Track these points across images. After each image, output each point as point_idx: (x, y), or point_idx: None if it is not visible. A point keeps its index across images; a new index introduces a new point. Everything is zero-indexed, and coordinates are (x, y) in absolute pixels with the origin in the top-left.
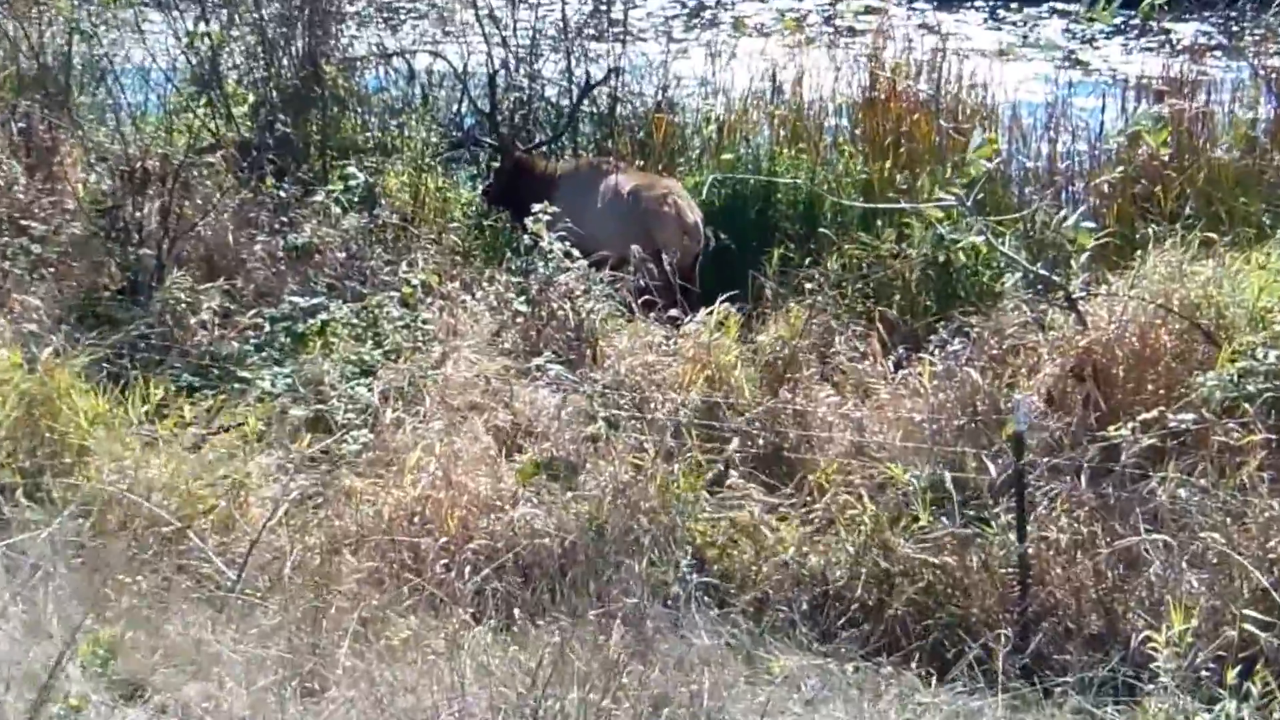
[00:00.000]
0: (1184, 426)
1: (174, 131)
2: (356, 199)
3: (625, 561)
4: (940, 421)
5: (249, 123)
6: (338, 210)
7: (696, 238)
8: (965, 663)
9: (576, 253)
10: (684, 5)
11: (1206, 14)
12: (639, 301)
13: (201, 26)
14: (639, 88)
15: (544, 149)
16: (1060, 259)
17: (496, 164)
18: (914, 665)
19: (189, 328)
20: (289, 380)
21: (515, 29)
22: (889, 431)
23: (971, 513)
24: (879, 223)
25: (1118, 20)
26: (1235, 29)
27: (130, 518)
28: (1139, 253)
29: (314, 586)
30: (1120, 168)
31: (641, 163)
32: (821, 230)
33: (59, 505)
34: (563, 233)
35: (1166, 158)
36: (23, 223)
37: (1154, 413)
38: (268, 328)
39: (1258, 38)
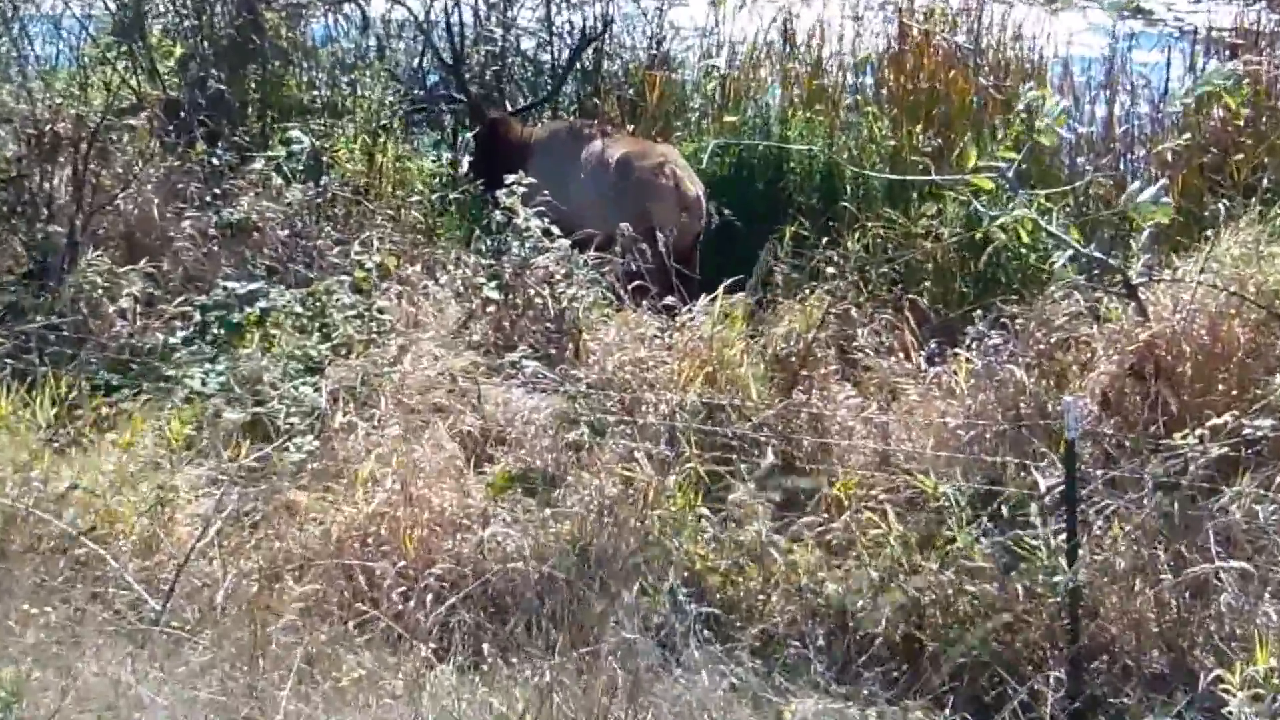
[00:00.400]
0: (1261, 433)
1: (89, 89)
2: (301, 168)
3: (613, 590)
4: (979, 427)
5: (176, 79)
6: (279, 181)
7: (696, 214)
8: (1010, 708)
9: (557, 231)
10: None
11: None
12: (629, 288)
13: None
14: (629, 40)
15: (528, 113)
16: (1117, 239)
17: (473, 129)
18: (948, 710)
19: (106, 317)
20: (222, 378)
21: None
22: (919, 439)
23: (1015, 533)
24: (908, 197)
25: None
26: None
27: (37, 538)
28: (1208, 232)
29: (251, 618)
30: (1187, 134)
31: (632, 127)
32: (841, 205)
33: None
34: (541, 208)
35: (1241, 123)
36: None
37: (1226, 417)
38: (198, 317)
39: None
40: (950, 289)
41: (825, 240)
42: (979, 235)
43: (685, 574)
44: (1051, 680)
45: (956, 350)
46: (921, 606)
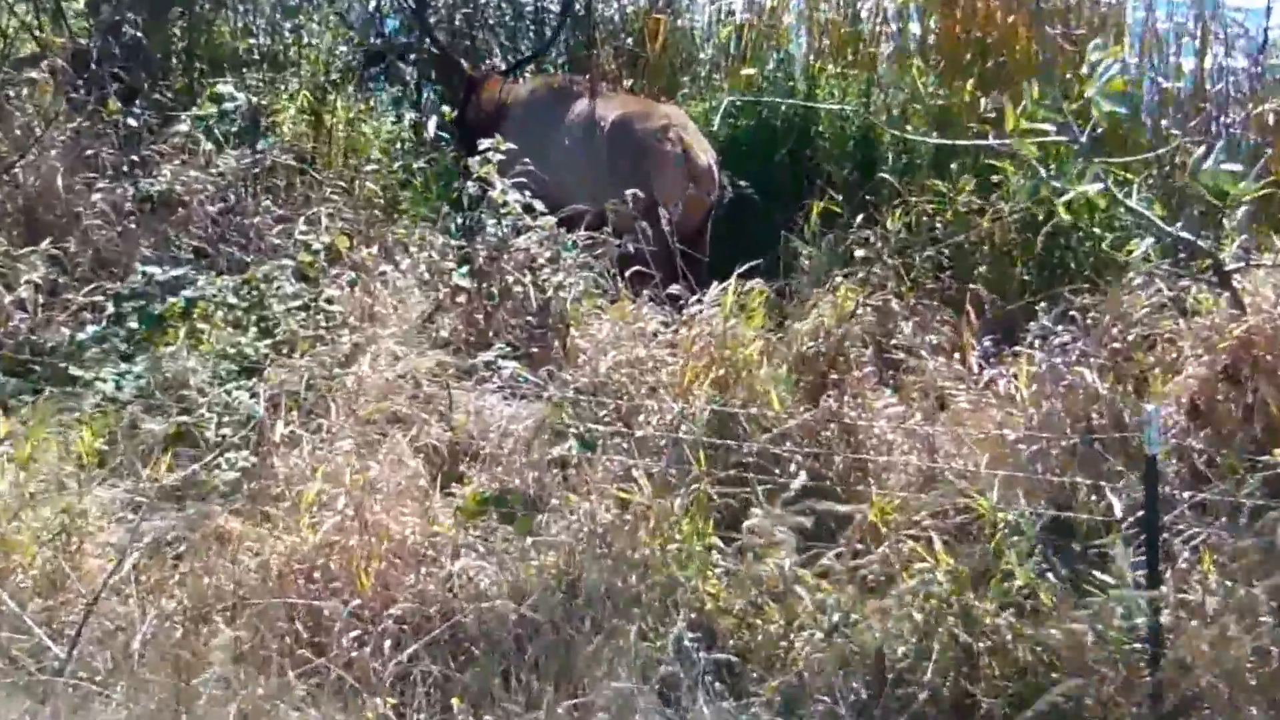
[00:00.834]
0: None
1: None
2: (235, 130)
3: (607, 633)
4: (1043, 441)
5: (86, 24)
6: (209, 146)
7: (707, 186)
8: None
9: (540, 206)
10: None
11: None
12: (626, 274)
13: None
14: None
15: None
16: (1208, 217)
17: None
18: None
19: (1, 308)
20: (140, 381)
21: None
22: (972, 454)
23: (1086, 566)
24: (958, 166)
25: None
26: None
27: None
28: None
29: (174, 668)
30: None
31: (630, 82)
32: (880, 176)
33: None
34: (522, 178)
35: None
36: None
37: None
38: (111, 309)
39: None
40: (1009, 276)
41: (860, 218)
42: (1044, 212)
43: (693, 615)
44: None
45: (1016, 349)
46: (975, 655)
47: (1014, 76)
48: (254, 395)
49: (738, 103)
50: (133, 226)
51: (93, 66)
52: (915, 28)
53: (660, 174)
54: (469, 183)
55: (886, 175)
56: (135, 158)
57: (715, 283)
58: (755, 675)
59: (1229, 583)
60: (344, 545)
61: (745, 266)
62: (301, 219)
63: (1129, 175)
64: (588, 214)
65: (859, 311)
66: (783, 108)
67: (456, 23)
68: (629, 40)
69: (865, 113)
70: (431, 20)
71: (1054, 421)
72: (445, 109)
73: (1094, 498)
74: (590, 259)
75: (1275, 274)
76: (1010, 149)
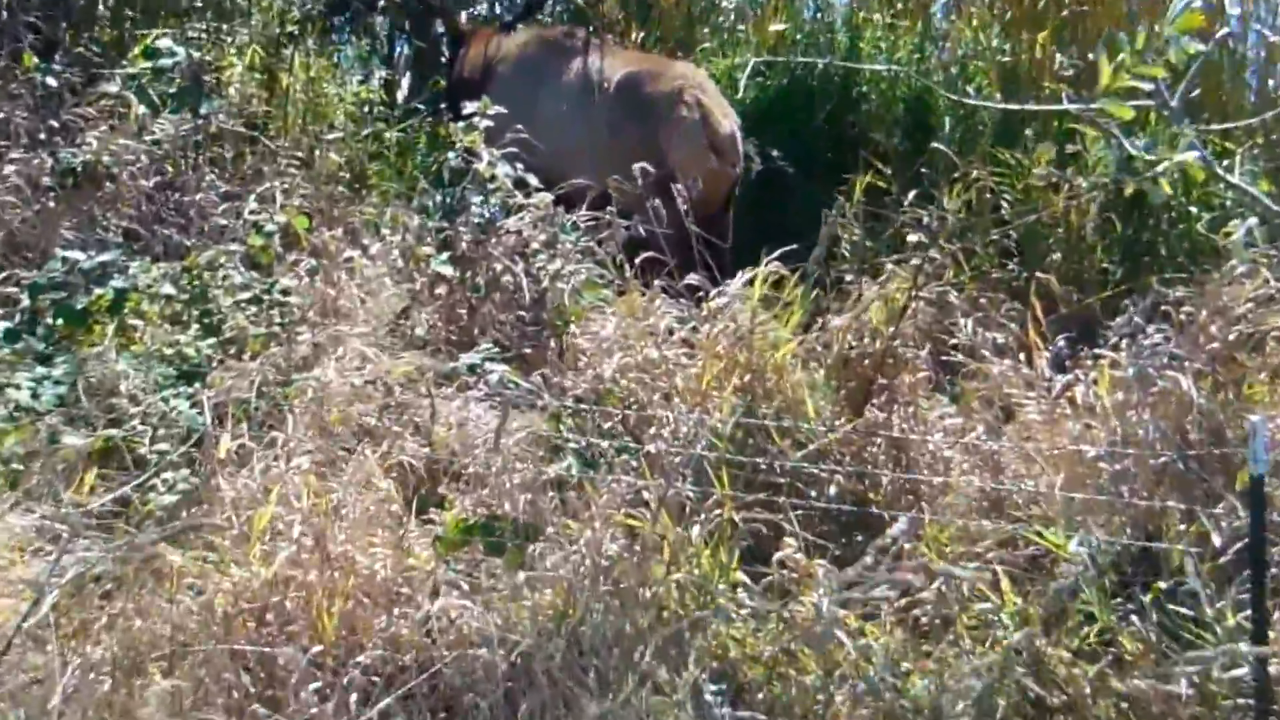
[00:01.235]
0: None
1: None
2: (174, 91)
3: (613, 685)
4: (1128, 459)
5: None
6: (143, 110)
7: (730, 158)
8: None
9: (534, 181)
10: None
11: None
12: (636, 262)
13: None
14: None
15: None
16: None
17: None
18: None
19: None
20: (61, 388)
21: None
22: (1044, 474)
23: (1180, 608)
24: (1027, 134)
25: None
26: None
27: None
28: None
29: None
30: None
31: (641, 36)
32: (935, 147)
33: None
34: (513, 148)
35: None
36: None
37: None
38: (26, 301)
39: None
40: (1088, 264)
41: (912, 195)
42: (1129, 189)
43: (714, 664)
44: None
45: (1096, 350)
46: (1049, 710)
47: (1092, 30)
48: (196, 404)
49: (766, 61)
50: (51, 204)
51: (3, 14)
52: None
53: (675, 144)
54: (450, 154)
55: (942, 146)
56: (54, 123)
57: (740, 271)
58: None
59: None
60: (302, 581)
61: (776, 252)
62: (252, 196)
63: (1229, 145)
64: (590, 191)
65: (911, 305)
66: (819, 67)
67: None
68: None
69: (917, 72)
70: None
71: (1141, 436)
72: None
73: (1188, 526)
74: (593, 244)
75: None
76: (1093, 114)
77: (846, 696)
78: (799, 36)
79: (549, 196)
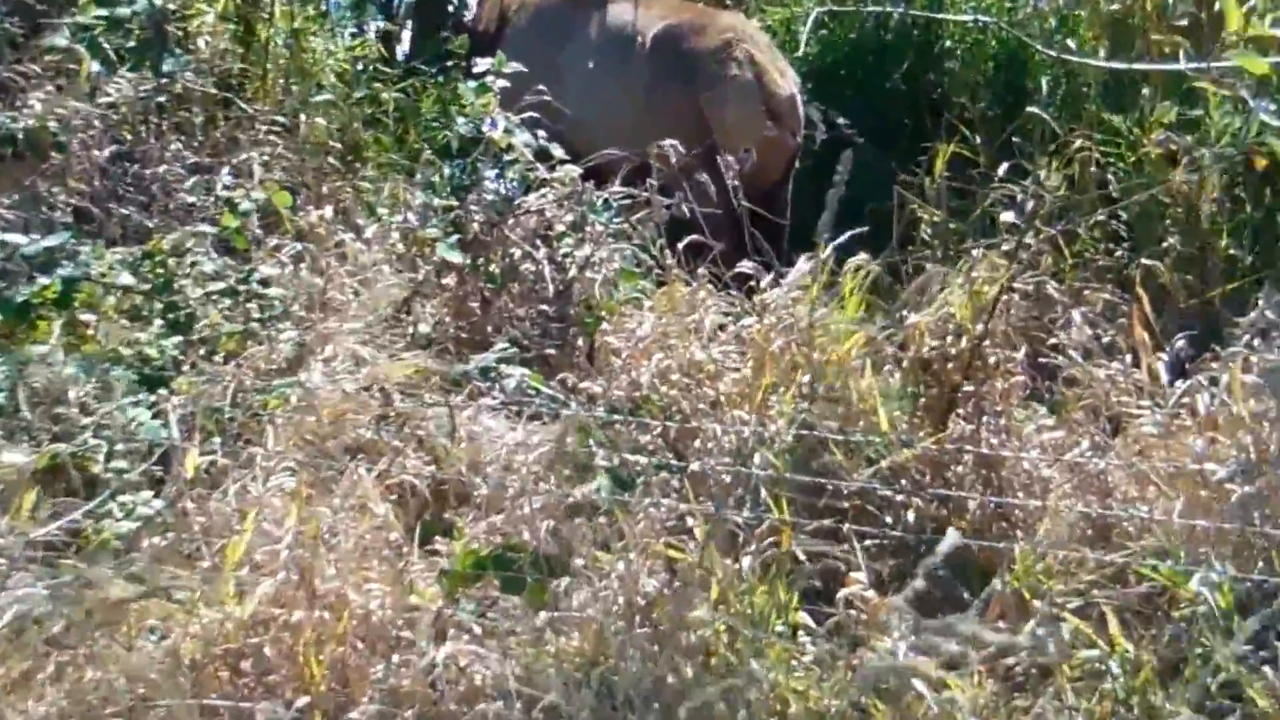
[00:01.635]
0: None
1: None
2: (133, 45)
3: None
4: (1260, 480)
5: None
6: (96, 67)
7: (789, 124)
8: None
9: (559, 152)
10: None
11: None
12: (678, 246)
13: None
14: None
15: None
16: None
17: None
18: None
19: None
20: (0, 395)
21: None
22: (1160, 498)
23: None
24: (1140, 98)
25: None
26: None
27: None
28: None
29: None
30: None
31: None
32: (1029, 111)
33: None
34: (534, 113)
35: None
36: None
37: None
38: None
39: None
40: (1211, 250)
41: (1004, 169)
42: (1261, 162)
43: None
44: None
45: (1221, 351)
46: None
47: None
48: (159, 414)
49: (832, 9)
50: None
51: None
52: None
53: (724, 108)
54: (460, 120)
55: (1038, 110)
56: None
57: (802, 257)
58: None
59: None
60: (285, 623)
61: (843, 235)
62: (225, 169)
63: None
64: (624, 164)
65: (1002, 299)
66: (894, 18)
67: None
68: None
69: (1010, 24)
70: None
71: (1275, 453)
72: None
73: None
74: (628, 226)
75: None
76: (1220, 72)
77: None
78: None
79: (576, 170)
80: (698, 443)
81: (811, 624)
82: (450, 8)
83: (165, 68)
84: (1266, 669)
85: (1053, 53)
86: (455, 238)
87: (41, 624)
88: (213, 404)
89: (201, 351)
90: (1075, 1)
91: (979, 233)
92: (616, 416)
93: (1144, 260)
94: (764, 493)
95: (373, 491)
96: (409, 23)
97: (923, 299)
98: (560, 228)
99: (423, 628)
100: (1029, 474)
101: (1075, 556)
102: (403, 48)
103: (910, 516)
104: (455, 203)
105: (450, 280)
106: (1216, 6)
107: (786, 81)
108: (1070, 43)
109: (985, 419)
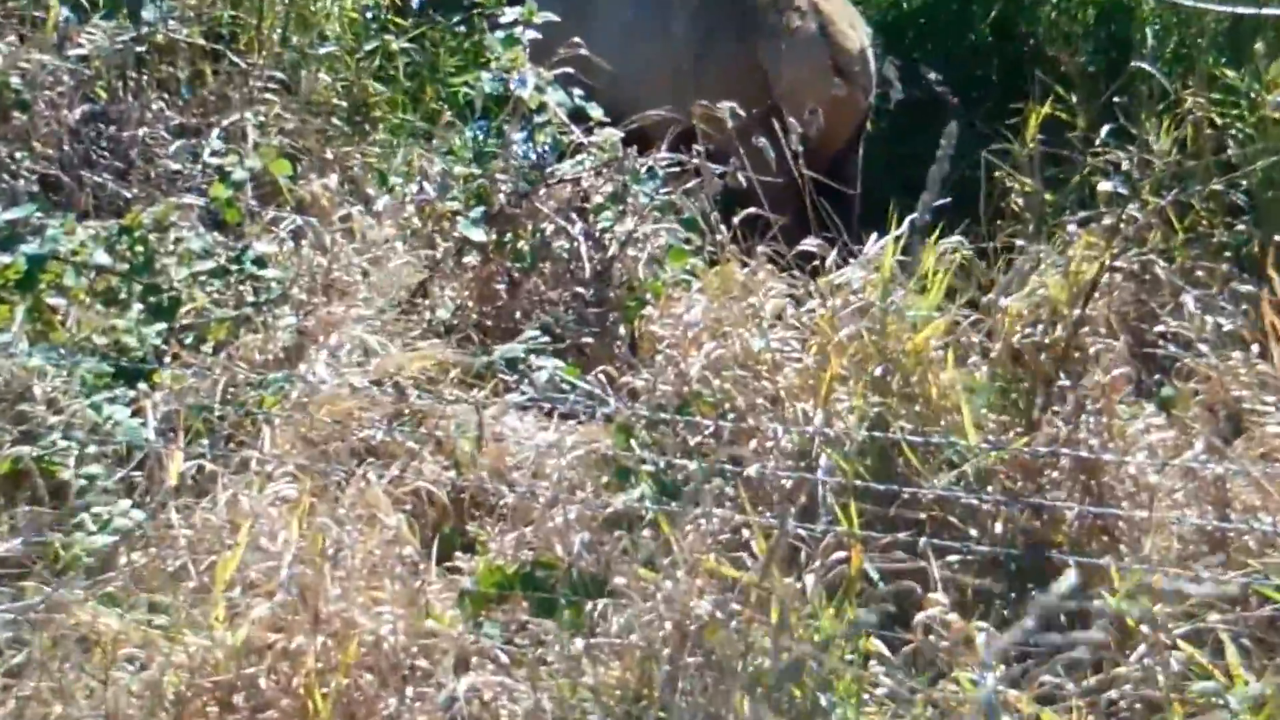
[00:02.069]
0: None
1: None
2: None
3: None
4: None
5: None
6: (65, 14)
7: (860, 81)
8: None
9: (596, 112)
10: None
11: None
12: (733, 221)
13: None
14: None
15: None
16: None
17: None
18: None
19: None
20: None
21: None
22: None
23: None
24: (1258, 49)
25: None
26: None
27: None
28: None
29: None
30: None
31: None
32: (1135, 66)
33: None
34: (568, 68)
35: None
36: None
37: None
38: None
39: None
40: None
41: (1106, 132)
42: None
43: None
44: None
45: None
46: None
47: None
48: (138, 412)
49: None
50: None
51: None
52: None
53: (785, 63)
54: (485, 76)
55: (1145, 65)
56: None
57: (873, 234)
58: None
59: None
60: (284, 651)
61: (922, 209)
62: (215, 132)
63: None
64: (671, 126)
65: (1104, 279)
66: None
67: None
68: None
69: None
70: None
71: None
72: None
73: None
74: (675, 197)
75: None
76: None
77: None
78: None
79: (617, 134)
80: (755, 444)
81: (885, 652)
82: None
83: (145, 15)
84: None
85: None
86: (479, 211)
87: (1, 654)
88: (200, 400)
89: (187, 341)
90: None
91: (1077, 205)
92: (662, 415)
93: (1269, 236)
94: (830, 501)
95: (384, 500)
96: None
97: (1013, 280)
98: (598, 199)
99: (441, 656)
100: (1134, 480)
101: (1188, 575)
102: None
103: (998, 528)
104: (478, 171)
105: (473, 259)
106: None
107: (856, 34)
108: None
109: (1084, 417)
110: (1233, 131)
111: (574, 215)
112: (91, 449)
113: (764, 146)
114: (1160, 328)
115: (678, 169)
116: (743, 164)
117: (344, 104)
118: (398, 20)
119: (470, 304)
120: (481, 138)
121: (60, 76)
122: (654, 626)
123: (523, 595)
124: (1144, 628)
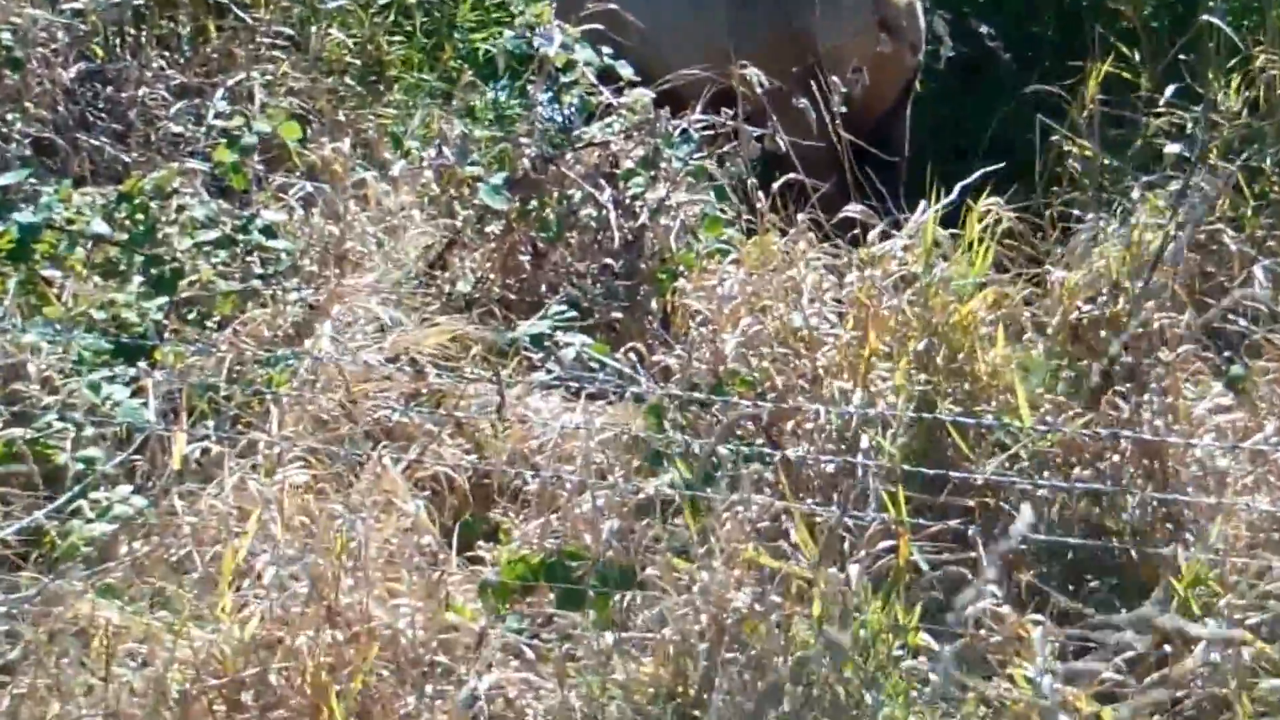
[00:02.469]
0: None
1: None
2: None
3: None
4: None
5: None
6: None
7: (909, 36)
8: None
9: (627, 71)
10: None
11: None
12: (772, 188)
13: None
14: None
15: None
16: None
17: None
18: None
19: None
20: None
21: None
22: None
23: None
24: None
25: None
26: None
27: None
28: None
29: None
30: None
31: None
32: (1202, 20)
33: None
34: (597, 24)
35: None
36: None
37: None
38: None
39: None
40: None
41: (1171, 91)
42: None
43: None
44: None
45: None
46: None
47: None
48: (138, 392)
49: None
50: None
51: None
52: None
53: (828, 18)
54: (508, 33)
55: (1213, 19)
56: None
57: (921, 202)
58: None
59: None
60: (294, 647)
61: (974, 175)
62: (220, 92)
63: None
64: (706, 87)
65: (1167, 250)
66: None
67: None
68: None
69: None
70: None
71: None
72: None
73: None
74: (711, 162)
75: None
76: None
77: None
78: None
79: (648, 94)
80: (793, 425)
81: (935, 646)
82: None
83: None
84: None
85: None
86: (501, 177)
87: None
88: (204, 379)
89: (190, 315)
90: None
91: (1140, 170)
92: (696, 395)
93: None
94: (876, 486)
95: (401, 486)
96: None
97: (1072, 251)
98: (628, 164)
99: (462, 651)
100: (1201, 464)
101: (1258, 565)
102: None
103: (1054, 516)
104: (500, 134)
105: (495, 229)
106: None
107: None
108: None
109: (1147, 397)
110: None
111: (602, 181)
112: (89, 431)
113: (805, 108)
114: (1229, 302)
115: (713, 132)
116: (785, 126)
117: (357, 62)
118: None
119: (492, 276)
120: (504, 99)
121: (54, 32)
122: (688, 620)
123: (549, 587)
124: (1211, 620)
